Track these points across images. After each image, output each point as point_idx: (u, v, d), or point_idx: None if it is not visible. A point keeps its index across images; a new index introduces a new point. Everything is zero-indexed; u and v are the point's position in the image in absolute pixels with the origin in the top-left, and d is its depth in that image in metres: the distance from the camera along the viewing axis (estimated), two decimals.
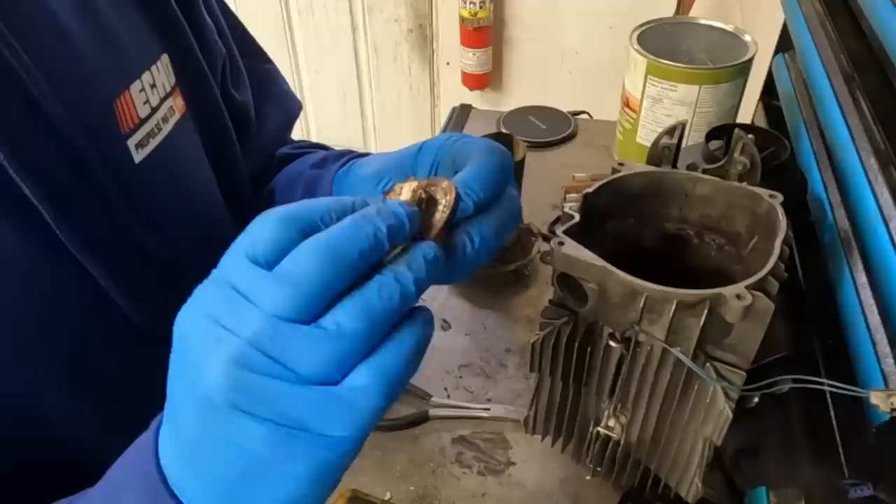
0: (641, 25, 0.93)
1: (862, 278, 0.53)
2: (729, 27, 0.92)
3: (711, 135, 0.68)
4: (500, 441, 0.67)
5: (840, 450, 0.53)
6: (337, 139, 2.38)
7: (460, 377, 0.74)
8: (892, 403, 0.41)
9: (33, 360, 0.41)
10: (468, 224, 0.36)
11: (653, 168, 0.55)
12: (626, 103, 0.94)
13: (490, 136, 0.47)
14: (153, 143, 0.47)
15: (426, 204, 0.34)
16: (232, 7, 0.64)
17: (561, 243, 0.47)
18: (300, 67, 2.31)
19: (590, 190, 0.53)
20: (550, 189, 0.98)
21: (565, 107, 1.16)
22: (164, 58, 0.50)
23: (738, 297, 0.42)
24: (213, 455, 0.29)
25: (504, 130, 1.07)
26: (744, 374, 0.46)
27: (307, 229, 0.30)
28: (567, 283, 0.49)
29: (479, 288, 0.84)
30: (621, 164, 0.55)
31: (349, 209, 0.31)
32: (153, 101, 0.47)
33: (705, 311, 0.44)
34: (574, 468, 0.65)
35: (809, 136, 0.72)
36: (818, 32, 0.73)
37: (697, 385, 0.48)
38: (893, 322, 0.47)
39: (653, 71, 0.87)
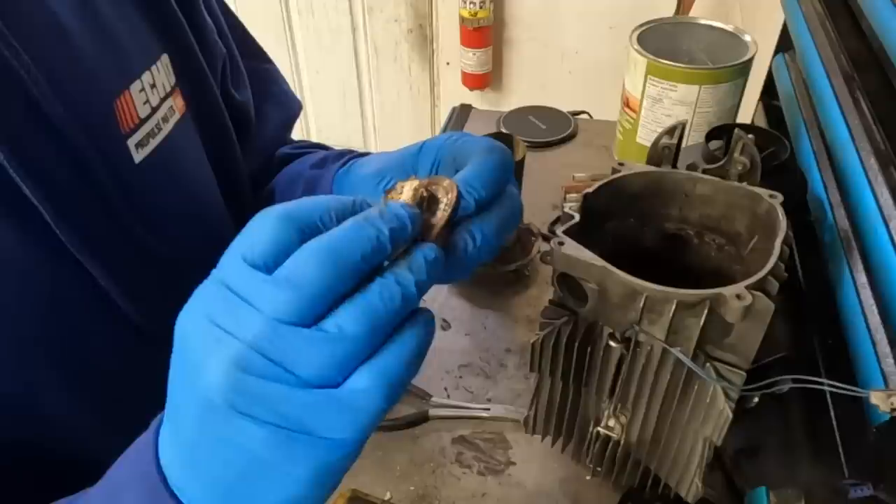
0: (641, 25, 0.93)
1: (862, 278, 0.53)
2: (729, 27, 0.92)
3: (711, 135, 0.68)
4: (500, 441, 0.67)
5: (840, 450, 0.53)
6: (337, 139, 2.38)
7: (460, 377, 0.74)
8: (892, 403, 0.41)
9: (33, 359, 0.41)
10: (470, 222, 0.36)
11: (653, 168, 0.55)
12: (626, 103, 0.94)
13: (490, 136, 0.47)
14: (153, 142, 0.47)
15: (427, 203, 0.34)
16: (232, 7, 0.64)
17: (561, 243, 0.47)
18: (300, 67, 2.31)
19: (590, 190, 0.53)
20: (550, 189, 0.98)
21: (565, 107, 1.16)
22: (164, 58, 0.50)
23: (738, 297, 0.42)
24: (214, 456, 0.29)
25: (504, 130, 1.07)
26: (744, 374, 0.46)
27: (306, 229, 0.29)
28: (567, 283, 0.49)
29: (479, 288, 0.84)
30: (621, 164, 0.55)
31: (349, 208, 0.31)
32: (153, 101, 0.47)
33: (705, 311, 0.44)
34: (574, 468, 0.65)
35: (809, 136, 0.72)
36: (818, 32, 0.73)
37: (697, 385, 0.48)
38: (893, 322, 0.47)
39: (653, 71, 0.87)
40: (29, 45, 0.38)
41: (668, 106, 0.88)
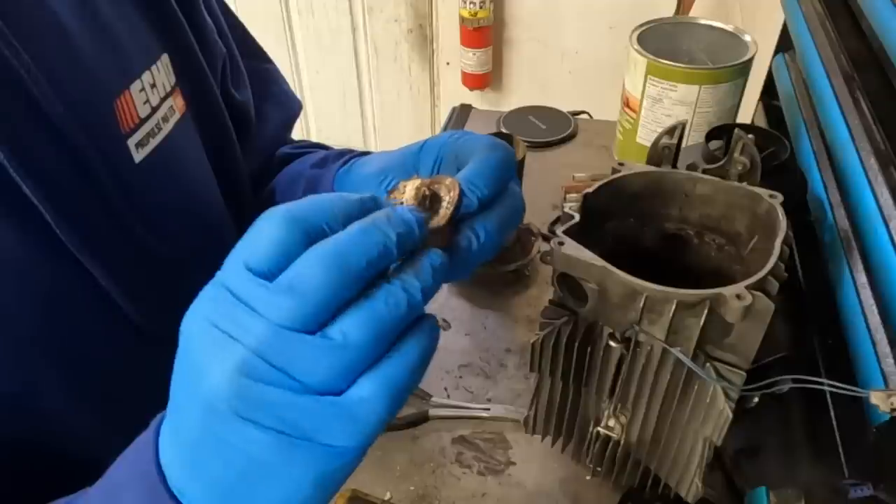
0: (641, 25, 0.93)
1: (862, 278, 0.53)
2: (729, 27, 0.92)
3: (711, 135, 0.68)
4: (500, 441, 0.67)
5: (840, 450, 0.53)
6: (337, 139, 2.38)
7: (460, 377, 0.74)
8: (892, 403, 0.41)
9: (33, 359, 0.41)
10: (472, 220, 0.36)
11: (653, 168, 0.55)
12: (626, 103, 0.94)
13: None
14: (153, 142, 0.47)
15: (430, 201, 0.34)
16: (232, 7, 0.64)
17: (561, 243, 0.47)
18: (300, 67, 2.31)
19: (590, 190, 0.53)
20: (550, 189, 0.98)
21: (565, 107, 1.16)
22: (165, 57, 0.50)
23: (738, 297, 0.42)
24: (215, 458, 0.29)
25: (504, 130, 1.07)
26: (744, 374, 0.46)
27: (311, 231, 0.29)
28: (567, 283, 0.49)
29: (479, 288, 0.84)
30: (621, 164, 0.55)
31: (356, 208, 0.31)
32: (153, 100, 0.47)
33: (705, 311, 0.44)
34: (574, 468, 0.64)
35: (809, 136, 0.72)
36: (818, 32, 0.73)
37: (697, 385, 0.48)
38: (893, 322, 0.47)
39: (653, 71, 0.87)
40: (29, 45, 0.38)
41: (668, 106, 0.88)
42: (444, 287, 0.84)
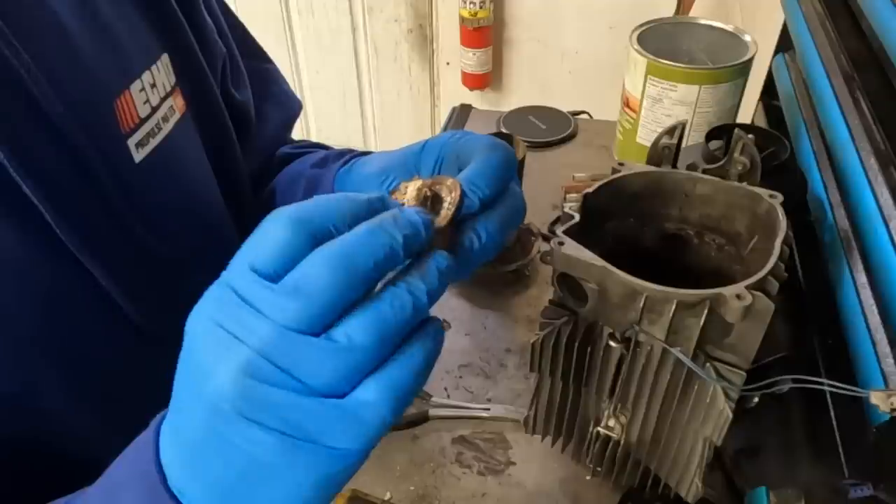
0: (641, 25, 0.93)
1: (862, 278, 0.53)
2: (729, 27, 0.92)
3: (711, 135, 0.68)
4: (500, 441, 0.67)
5: (840, 450, 0.53)
6: (337, 139, 2.38)
7: (460, 377, 0.74)
8: (892, 403, 0.41)
9: (32, 359, 0.41)
10: (474, 221, 0.36)
11: (653, 168, 0.55)
12: (626, 103, 0.94)
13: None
14: (153, 142, 0.47)
15: (431, 202, 0.34)
16: (232, 7, 0.64)
17: (561, 243, 0.47)
18: (300, 67, 2.31)
19: (590, 190, 0.53)
20: (550, 189, 0.98)
21: (565, 107, 1.16)
22: (165, 57, 0.50)
23: (738, 297, 0.42)
24: (216, 458, 0.29)
25: (504, 130, 1.07)
26: (744, 374, 0.46)
27: (317, 233, 0.29)
28: (567, 283, 0.49)
29: (479, 288, 0.84)
30: (621, 164, 0.55)
31: (363, 208, 0.31)
32: (153, 100, 0.47)
33: (705, 311, 0.44)
34: (574, 468, 0.64)
35: (809, 136, 0.72)
36: (818, 32, 0.73)
37: (697, 385, 0.48)
38: (893, 322, 0.47)
39: (653, 71, 0.87)
40: (29, 45, 0.38)
41: (668, 106, 0.88)
42: None
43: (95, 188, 0.42)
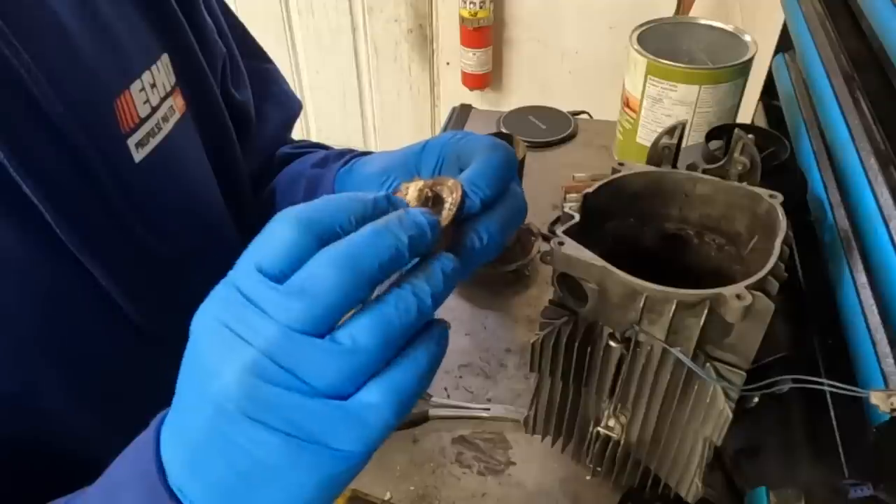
0: (641, 25, 0.93)
1: (862, 278, 0.53)
2: (729, 27, 0.92)
3: (711, 135, 0.68)
4: (500, 441, 0.67)
5: (840, 450, 0.53)
6: (337, 139, 2.38)
7: (460, 377, 0.74)
8: (892, 403, 0.41)
9: (32, 359, 0.41)
10: (475, 221, 0.36)
11: (653, 168, 0.55)
12: (626, 103, 0.94)
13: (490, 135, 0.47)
14: (153, 142, 0.47)
15: (432, 203, 0.34)
16: (232, 7, 0.64)
17: (561, 243, 0.47)
18: (300, 67, 2.31)
19: (590, 190, 0.53)
20: (550, 189, 0.98)
21: (565, 107, 1.16)
22: (165, 57, 0.50)
23: (738, 297, 0.42)
24: (219, 459, 0.29)
25: (504, 130, 1.07)
26: (744, 374, 0.46)
27: (324, 234, 0.29)
28: (567, 283, 0.49)
29: (479, 288, 0.84)
30: (621, 164, 0.55)
31: (369, 209, 0.31)
32: (153, 100, 0.47)
33: (705, 311, 0.44)
34: (574, 468, 0.64)
35: (809, 136, 0.72)
36: (818, 32, 0.73)
37: (697, 385, 0.48)
38: (893, 322, 0.47)
39: (653, 71, 0.87)
40: (29, 45, 0.38)
41: (668, 106, 0.88)
42: None
43: (95, 188, 0.42)
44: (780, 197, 0.50)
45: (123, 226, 0.44)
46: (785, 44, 0.90)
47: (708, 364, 0.47)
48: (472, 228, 0.36)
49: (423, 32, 2.13)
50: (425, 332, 0.31)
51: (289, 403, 0.28)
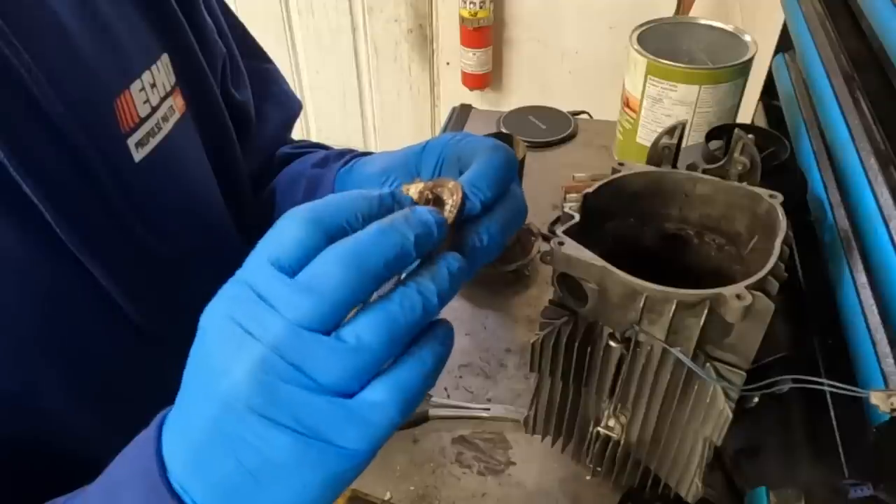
0: (641, 25, 0.93)
1: (862, 278, 0.53)
2: (729, 27, 0.92)
3: (711, 135, 0.68)
4: (500, 441, 0.67)
5: (840, 450, 0.53)
6: (337, 139, 2.38)
7: (460, 377, 0.74)
8: (892, 403, 0.41)
9: (32, 358, 0.41)
10: (476, 223, 0.36)
11: (653, 168, 0.55)
12: (626, 103, 0.94)
13: (490, 136, 0.47)
14: (153, 142, 0.47)
15: (433, 204, 0.34)
16: (232, 7, 0.64)
17: (561, 243, 0.47)
18: (300, 67, 2.31)
19: (590, 190, 0.53)
20: (550, 189, 0.98)
21: (565, 107, 1.16)
22: (164, 57, 0.50)
23: (738, 297, 0.42)
24: (224, 456, 0.29)
25: (504, 130, 1.07)
26: (744, 374, 0.46)
27: (333, 232, 0.29)
28: (567, 283, 0.49)
29: (479, 288, 0.84)
30: (621, 164, 0.55)
31: (375, 206, 0.31)
32: (153, 100, 0.47)
33: (705, 311, 0.44)
34: (574, 468, 0.64)
35: (809, 136, 0.72)
36: (818, 32, 0.73)
37: (697, 385, 0.48)
38: (893, 322, 0.47)
39: (653, 71, 0.87)
40: (29, 44, 0.38)
41: (668, 106, 0.88)
42: None
43: (95, 188, 0.42)
44: (780, 197, 0.50)
45: (123, 226, 0.44)
46: (785, 44, 0.90)
47: (708, 364, 0.47)
48: (472, 230, 0.36)
49: (423, 32, 2.13)
50: (430, 331, 0.31)
51: (297, 400, 0.28)
